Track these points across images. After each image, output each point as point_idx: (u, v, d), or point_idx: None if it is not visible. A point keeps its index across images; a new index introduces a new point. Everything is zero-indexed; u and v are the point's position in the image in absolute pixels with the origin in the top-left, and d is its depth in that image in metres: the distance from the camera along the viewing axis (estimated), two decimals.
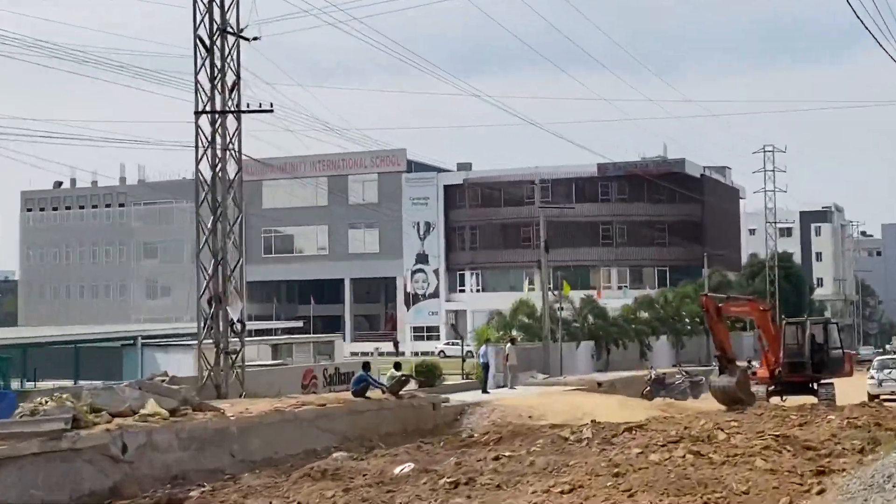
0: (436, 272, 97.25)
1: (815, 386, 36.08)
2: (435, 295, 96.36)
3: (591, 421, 27.61)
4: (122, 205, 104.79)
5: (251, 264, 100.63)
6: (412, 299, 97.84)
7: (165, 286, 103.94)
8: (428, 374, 49.22)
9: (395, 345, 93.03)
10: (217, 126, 27.24)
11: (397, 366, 27.57)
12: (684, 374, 43.52)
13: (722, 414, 29.70)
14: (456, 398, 33.83)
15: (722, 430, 23.49)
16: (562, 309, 48.17)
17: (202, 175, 27.21)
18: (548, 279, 51.24)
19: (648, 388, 41.82)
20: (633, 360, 54.42)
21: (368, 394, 26.87)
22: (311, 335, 41.00)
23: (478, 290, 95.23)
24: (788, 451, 19.38)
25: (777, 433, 21.80)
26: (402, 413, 27.46)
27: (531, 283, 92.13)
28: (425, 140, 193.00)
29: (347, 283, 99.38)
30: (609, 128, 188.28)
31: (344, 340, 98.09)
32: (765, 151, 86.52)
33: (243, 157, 28.01)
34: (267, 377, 29.30)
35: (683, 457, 18.69)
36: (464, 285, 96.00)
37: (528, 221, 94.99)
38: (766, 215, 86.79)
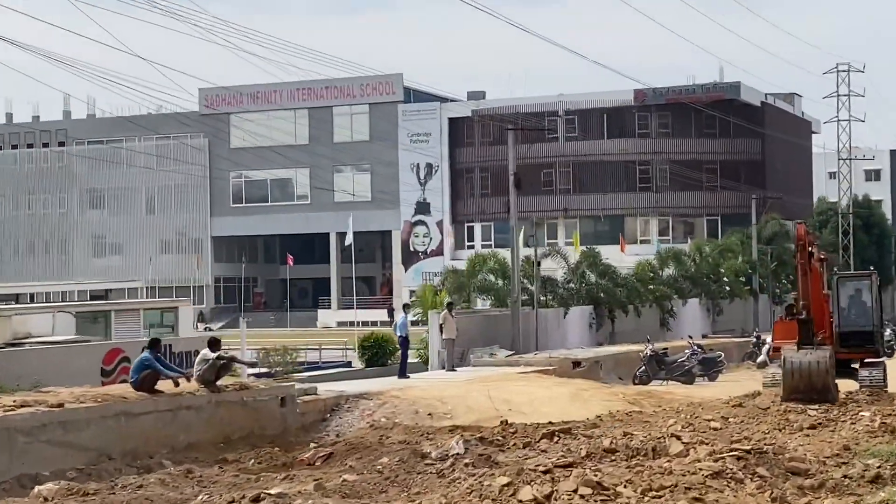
0: (439, 224, 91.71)
1: (858, 366, 29.28)
2: (439, 252, 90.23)
3: (502, 422, 23.25)
4: (62, 143, 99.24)
5: (218, 216, 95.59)
6: (411, 258, 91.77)
7: (115, 243, 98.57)
8: (376, 352, 43.42)
9: (391, 313, 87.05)
10: None
11: (213, 343, 21.40)
12: (695, 348, 37.29)
13: (725, 407, 25.49)
14: (355, 386, 28.08)
15: (679, 438, 18.91)
16: (538, 264, 41.63)
17: None
18: (523, 228, 44.94)
19: (643, 367, 35.96)
20: (651, 329, 48.43)
21: (160, 385, 20.46)
22: (143, 300, 34.72)
23: (488, 246, 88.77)
24: (758, 477, 15.67)
25: (756, 445, 18.05)
26: (223, 413, 21.90)
27: (552, 235, 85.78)
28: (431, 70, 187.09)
29: (333, 238, 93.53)
30: (652, 50, 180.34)
31: (329, 308, 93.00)
32: (838, 71, 78.95)
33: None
34: (48, 361, 23.08)
35: (572, 493, 14.38)
36: (472, 240, 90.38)
37: (551, 161, 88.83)
38: (838, 150, 79.34)
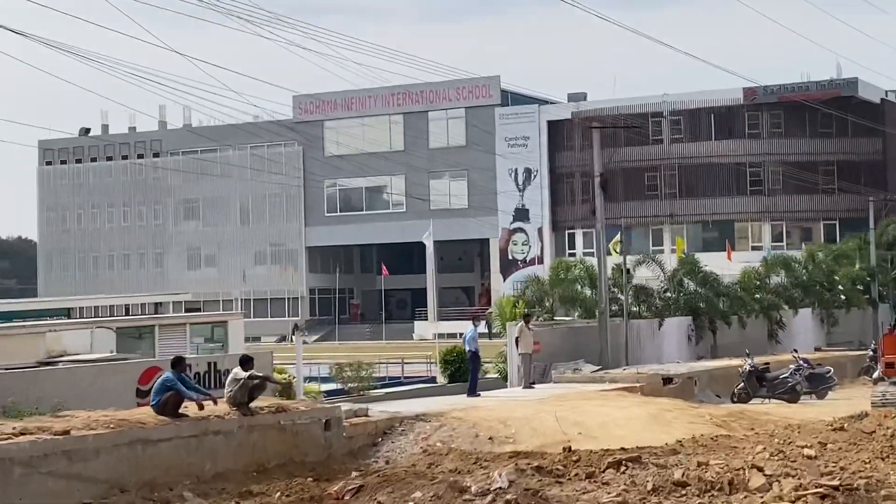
0: (539, 232, 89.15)
1: None
2: (538, 260, 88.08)
3: (565, 449, 21.15)
4: (156, 154, 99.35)
5: (312, 225, 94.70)
6: (510, 267, 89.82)
7: (210, 254, 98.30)
8: (458, 367, 41.63)
9: (488, 325, 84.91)
10: None
11: (245, 362, 19.71)
12: (801, 362, 34.83)
13: (826, 430, 23.49)
14: (420, 405, 26.61)
15: (761, 469, 17.49)
16: (628, 272, 39.42)
17: None
18: (619, 233, 42.77)
19: (742, 384, 33.58)
20: (758, 341, 45.76)
21: (185, 408, 18.90)
22: (189, 314, 33.23)
23: (590, 254, 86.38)
24: None
25: (847, 478, 16.45)
26: (256, 439, 20.22)
27: (658, 242, 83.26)
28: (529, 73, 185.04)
29: (430, 247, 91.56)
30: (762, 47, 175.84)
31: (426, 319, 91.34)
32: None
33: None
34: (77, 381, 21.66)
35: None
36: (574, 248, 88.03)
37: (656, 165, 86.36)
38: None
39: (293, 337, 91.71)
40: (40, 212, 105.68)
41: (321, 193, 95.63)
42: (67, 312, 31.79)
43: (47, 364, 24.78)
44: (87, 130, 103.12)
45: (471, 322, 32.45)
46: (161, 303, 35.00)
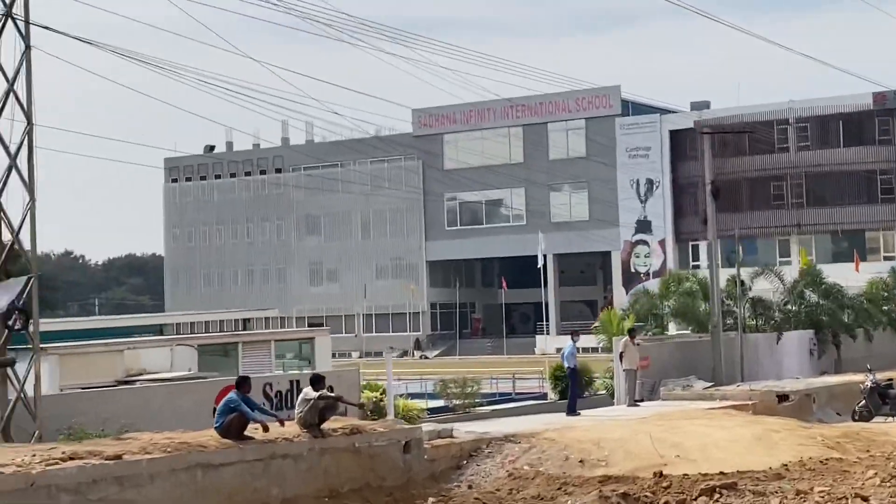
0: (661, 244, 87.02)
1: None
2: (661, 272, 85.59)
3: (656, 474, 20.12)
4: (278, 170, 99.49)
5: (432, 239, 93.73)
6: (633, 279, 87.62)
7: (332, 269, 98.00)
8: (569, 383, 39.90)
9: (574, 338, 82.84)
10: None
11: (315, 381, 18.57)
12: None
13: None
14: (512, 424, 24.87)
15: (866, 499, 16.64)
16: (742, 283, 37.44)
17: None
18: (740, 245, 40.84)
19: (863, 401, 31.43)
20: (886, 355, 43.17)
21: (256, 430, 17.96)
22: (272, 331, 32.10)
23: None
24: None
25: None
26: (328, 462, 19.13)
27: (785, 253, 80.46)
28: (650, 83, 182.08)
29: (551, 261, 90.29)
30: (891, 50, 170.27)
31: (547, 333, 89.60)
32: None
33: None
34: (151, 400, 20.75)
35: None
36: (698, 260, 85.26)
37: (782, 173, 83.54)
38: None
39: (414, 352, 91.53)
40: (167, 229, 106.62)
41: (441, 207, 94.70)
42: (160, 329, 31.14)
43: (125, 383, 24.01)
44: (212, 148, 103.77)
45: (569, 337, 30.94)
46: (249, 319, 34.19)
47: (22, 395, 19.35)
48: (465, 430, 23.87)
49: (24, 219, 19.56)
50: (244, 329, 33.25)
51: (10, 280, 19.07)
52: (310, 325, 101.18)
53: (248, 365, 26.32)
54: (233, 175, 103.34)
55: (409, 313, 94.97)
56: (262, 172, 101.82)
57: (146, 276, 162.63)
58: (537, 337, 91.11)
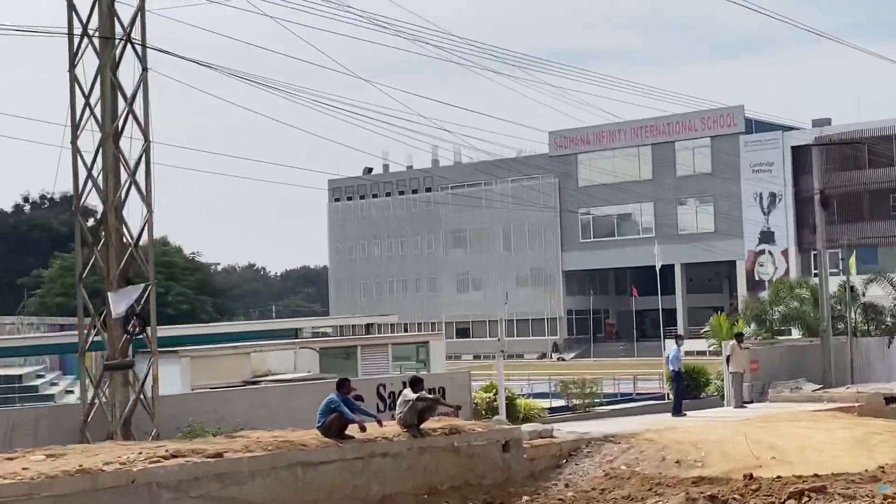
0: (784, 254, 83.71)
1: None
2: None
3: (746, 476, 18.45)
4: (428, 189, 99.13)
5: (568, 251, 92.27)
6: (756, 287, 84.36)
7: (477, 279, 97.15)
8: (687, 385, 38.13)
9: (678, 341, 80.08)
10: None
11: (414, 383, 17.52)
12: None
13: None
14: (618, 424, 23.55)
15: None
16: (852, 289, 35.17)
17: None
18: (853, 252, 38.78)
19: None
20: None
21: (351, 430, 16.97)
22: (390, 335, 30.98)
23: (836, 274, 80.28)
24: None
25: None
26: (427, 461, 18.00)
27: None
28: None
29: (678, 270, 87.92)
30: None
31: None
32: None
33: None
34: (270, 400, 19.98)
35: None
36: (818, 268, 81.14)
37: None
38: None
39: (552, 355, 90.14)
40: (330, 243, 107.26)
41: (576, 221, 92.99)
42: (295, 333, 30.56)
43: (250, 384, 23.28)
44: (370, 170, 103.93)
45: (674, 341, 29.26)
46: (371, 324, 33.46)
47: (141, 396, 18.68)
48: (567, 431, 22.49)
49: (142, 230, 18.91)
50: (367, 333, 32.44)
51: (128, 287, 18.44)
52: (457, 331, 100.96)
53: (367, 367, 25.44)
54: (388, 194, 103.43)
55: (547, 319, 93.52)
56: (414, 192, 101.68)
57: (318, 286, 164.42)
58: (666, 341, 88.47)
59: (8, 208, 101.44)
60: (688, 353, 33.34)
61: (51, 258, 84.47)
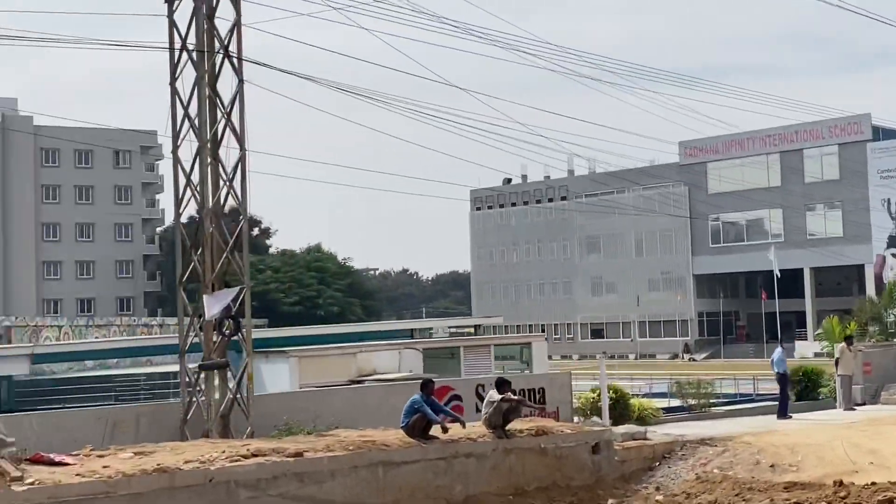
0: None
1: None
2: None
3: (835, 482, 17.01)
4: (564, 198, 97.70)
5: (698, 255, 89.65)
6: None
7: (610, 282, 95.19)
8: (806, 385, 35.95)
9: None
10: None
11: (500, 384, 16.44)
12: None
13: None
14: (717, 427, 22.09)
15: None
16: None
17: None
18: None
19: None
20: None
21: (434, 430, 16.03)
22: (492, 336, 29.61)
23: None
24: None
25: None
26: (512, 462, 16.94)
27: None
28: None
29: (807, 274, 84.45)
30: None
31: (806, 339, 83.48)
32: None
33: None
34: (369, 399, 19.25)
35: None
36: None
37: None
38: None
39: (683, 355, 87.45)
40: (472, 250, 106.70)
41: (705, 227, 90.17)
42: (411, 333, 29.78)
43: (356, 383, 22.51)
44: (509, 180, 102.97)
45: (778, 344, 27.38)
46: (479, 325, 32.29)
47: (239, 396, 18.05)
48: (662, 433, 21.05)
49: (237, 234, 18.30)
50: (475, 334, 31.39)
51: (222, 290, 17.84)
52: (592, 332, 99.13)
53: (469, 368, 24.42)
54: (526, 203, 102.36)
55: (678, 321, 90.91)
56: (550, 200, 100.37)
57: (466, 290, 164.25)
58: (797, 343, 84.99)
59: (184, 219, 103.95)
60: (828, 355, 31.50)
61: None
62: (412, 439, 16.75)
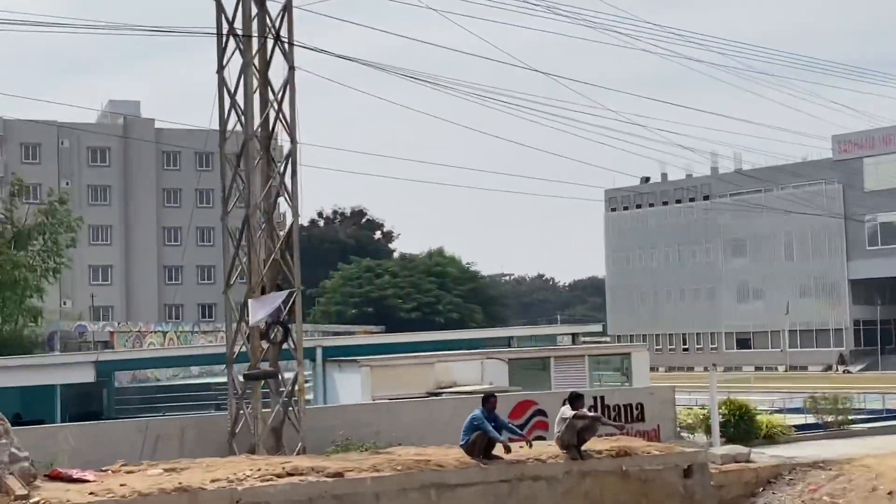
0: None
1: None
2: None
3: None
4: (706, 197, 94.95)
5: (854, 259, 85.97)
6: None
7: (757, 288, 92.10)
8: None
9: None
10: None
11: (573, 399, 15.44)
12: None
13: None
14: (856, 445, 20.63)
15: None
16: None
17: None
18: None
19: None
20: None
21: (497, 450, 15.20)
22: (586, 345, 27.96)
23: None
24: None
25: None
26: (589, 486, 16.07)
27: None
28: None
29: None
30: None
31: None
32: None
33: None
34: (441, 413, 18.46)
35: None
36: None
37: None
38: None
39: (837, 367, 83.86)
40: (607, 253, 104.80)
41: (861, 228, 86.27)
42: (508, 342, 28.69)
43: (434, 395, 21.66)
44: (647, 179, 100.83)
45: None
46: (576, 333, 30.77)
47: (291, 408, 17.41)
48: (770, 455, 19.58)
49: (287, 234, 17.68)
50: (573, 343, 30.02)
51: (270, 294, 17.20)
52: (738, 342, 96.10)
53: (561, 379, 23.28)
54: (665, 203, 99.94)
55: (832, 330, 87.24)
56: (692, 200, 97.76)
57: (604, 296, 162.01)
58: None
59: (305, 222, 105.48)
60: None
61: (333, 270, 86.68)
62: (472, 459, 15.80)
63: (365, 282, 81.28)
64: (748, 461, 18.86)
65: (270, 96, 17.51)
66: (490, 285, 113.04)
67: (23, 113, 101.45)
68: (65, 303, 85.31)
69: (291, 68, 17.36)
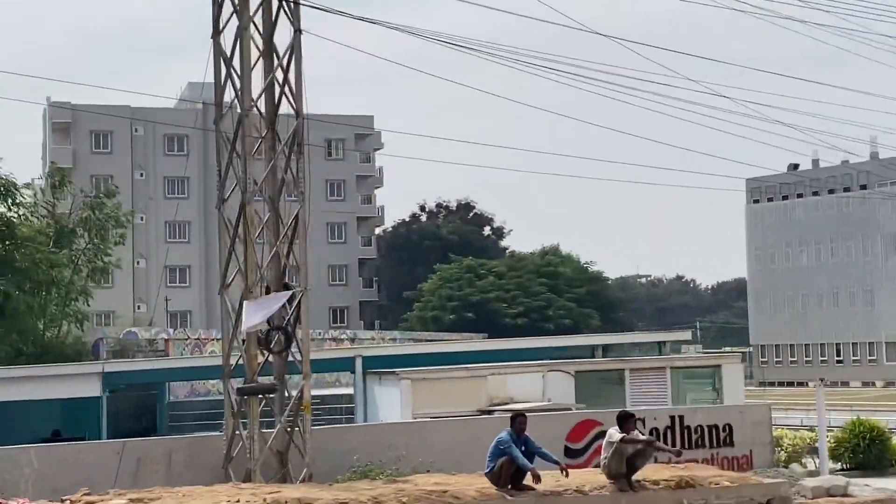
0: None
1: None
2: None
3: None
4: (863, 186, 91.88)
5: None
6: None
7: None
8: None
9: None
10: None
11: (623, 419, 14.52)
12: None
13: None
14: None
15: None
16: None
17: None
18: None
19: None
20: None
21: (528, 480, 14.51)
22: (669, 356, 26.26)
23: None
24: None
25: None
26: None
27: None
28: None
29: None
30: None
31: None
32: None
33: None
34: (481, 435, 17.68)
35: None
36: None
37: None
38: None
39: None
40: (749, 250, 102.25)
41: None
42: (591, 352, 27.49)
43: (486, 413, 20.80)
44: (796, 166, 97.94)
45: None
46: (664, 341, 29.23)
47: (299, 427, 16.73)
48: (875, 487, 18.22)
49: (294, 231, 17.01)
50: (665, 352, 28.63)
51: (271, 295, 16.53)
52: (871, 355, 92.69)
53: (637, 394, 22.16)
54: (816, 193, 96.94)
55: None
56: (847, 189, 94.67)
57: None
58: None
59: (405, 217, 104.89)
60: None
61: (431, 271, 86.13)
62: (496, 490, 14.91)
63: (465, 283, 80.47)
64: (845, 495, 17.54)
65: (279, 72, 16.88)
66: (617, 288, 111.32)
67: (93, 98, 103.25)
68: (139, 307, 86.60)
69: (297, 31, 16.69)
